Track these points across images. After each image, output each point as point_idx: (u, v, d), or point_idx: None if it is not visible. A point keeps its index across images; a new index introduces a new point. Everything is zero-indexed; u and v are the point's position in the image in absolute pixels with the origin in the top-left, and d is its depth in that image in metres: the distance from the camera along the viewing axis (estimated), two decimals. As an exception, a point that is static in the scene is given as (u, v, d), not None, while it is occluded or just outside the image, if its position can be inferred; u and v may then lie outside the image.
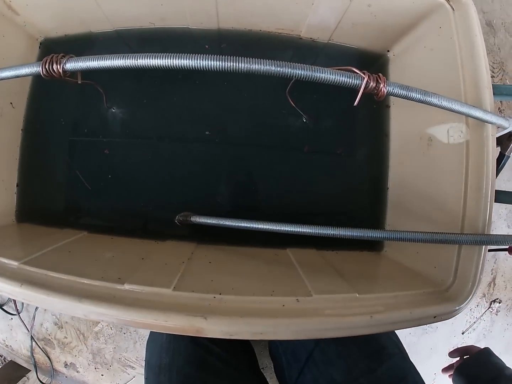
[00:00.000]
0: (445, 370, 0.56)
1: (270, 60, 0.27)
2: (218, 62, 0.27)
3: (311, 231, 0.36)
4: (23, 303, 0.67)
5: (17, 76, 0.31)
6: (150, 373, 0.42)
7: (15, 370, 0.66)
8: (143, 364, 0.68)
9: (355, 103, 0.30)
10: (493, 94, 0.39)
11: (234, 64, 0.27)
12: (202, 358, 0.41)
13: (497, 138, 0.39)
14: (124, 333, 0.66)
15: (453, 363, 0.54)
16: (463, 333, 0.69)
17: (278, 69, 0.27)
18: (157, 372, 0.40)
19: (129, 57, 0.28)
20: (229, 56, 0.27)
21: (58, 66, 0.29)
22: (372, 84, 0.29)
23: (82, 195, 0.51)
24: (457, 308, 0.34)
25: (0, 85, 0.45)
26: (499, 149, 0.41)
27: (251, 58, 0.27)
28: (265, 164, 0.50)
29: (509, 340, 0.72)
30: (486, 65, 0.37)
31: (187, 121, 0.50)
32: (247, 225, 0.40)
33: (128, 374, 0.67)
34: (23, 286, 0.30)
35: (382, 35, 0.47)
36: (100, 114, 0.51)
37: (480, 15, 0.78)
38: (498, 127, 0.37)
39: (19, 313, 0.66)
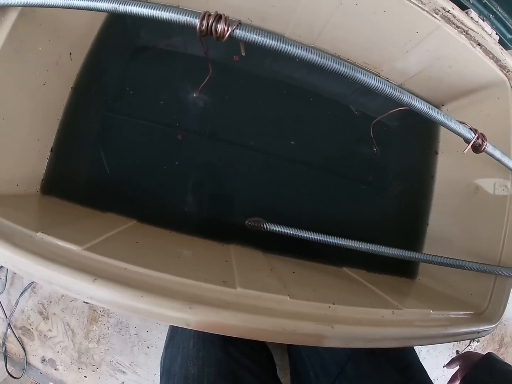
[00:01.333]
0: (449, 383, 0.60)
1: (410, 94, 0.34)
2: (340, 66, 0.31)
3: (378, 249, 0.44)
4: (6, 283, 0.61)
5: (163, 20, 0.28)
6: (172, 382, 0.41)
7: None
8: (137, 371, 0.66)
9: (464, 151, 0.39)
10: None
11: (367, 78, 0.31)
12: (234, 370, 0.41)
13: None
14: (122, 335, 0.64)
15: (455, 373, 0.58)
16: (444, 366, 0.80)
17: (417, 104, 0.35)
18: (182, 382, 0.39)
19: (305, 49, 0.29)
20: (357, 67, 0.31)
21: (226, 27, 0.27)
22: (479, 141, 0.38)
23: (121, 177, 0.50)
24: (491, 327, 0.45)
25: (67, 27, 0.45)
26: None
27: (394, 86, 0.34)
28: (325, 187, 0.56)
29: (478, 376, 0.86)
30: (532, 137, 0.50)
31: (268, 130, 0.53)
32: (322, 238, 0.46)
33: (117, 379, 0.64)
34: (97, 282, 0.26)
35: (445, 91, 0.58)
36: (173, 96, 0.52)
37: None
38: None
39: (-2, 294, 0.60)
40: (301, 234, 0.46)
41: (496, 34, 0.52)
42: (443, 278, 0.54)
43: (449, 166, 0.59)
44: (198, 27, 0.28)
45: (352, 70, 0.31)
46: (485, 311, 0.48)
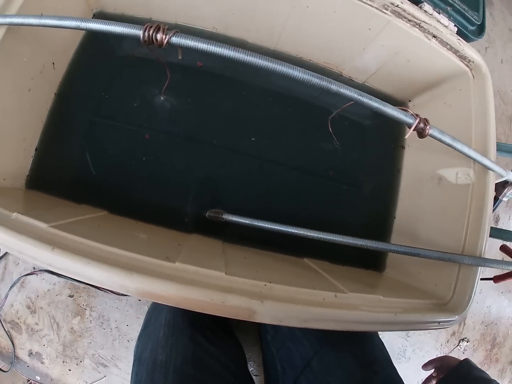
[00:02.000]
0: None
1: (338, 82, 0.34)
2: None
3: (343, 240, 0.42)
4: (-3, 278, 0.62)
5: (114, 33, 0.32)
6: (141, 368, 0.41)
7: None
8: (118, 365, 0.66)
9: (406, 137, 0.38)
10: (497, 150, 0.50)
11: (296, 73, 0.32)
12: (200, 358, 0.41)
13: (494, 184, 0.50)
14: (104, 329, 0.64)
15: (430, 376, 0.56)
16: (422, 367, 0.76)
17: (347, 92, 0.34)
18: (150, 368, 0.40)
19: (237, 51, 0.32)
20: (295, 66, 0.32)
21: (164, 36, 0.31)
22: (421, 125, 0.37)
23: (99, 175, 0.51)
24: (455, 318, 0.42)
25: (49, 40, 0.48)
26: (494, 193, 0.51)
27: (332, 80, 0.34)
28: (288, 181, 0.55)
29: (472, 378, 0.80)
30: (494, 125, 0.48)
31: (230, 128, 0.54)
32: (278, 228, 0.44)
33: (99, 372, 0.64)
34: (55, 251, 0.28)
35: (409, 86, 0.57)
36: (144, 100, 0.53)
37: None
38: (498, 175, 0.47)
39: (-11, 289, 0.61)
40: (260, 224, 0.45)
41: (455, 26, 0.51)
42: (409, 270, 0.52)
43: (415, 159, 0.58)
44: (141, 37, 0.31)
45: (273, 63, 0.32)
46: (449, 302, 0.45)
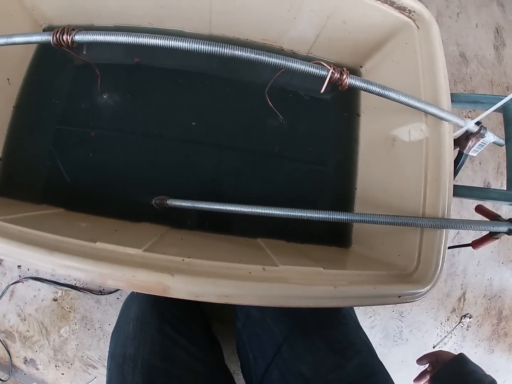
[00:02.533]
0: (416, 380, 0.54)
1: (250, 48, 0.31)
2: (206, 47, 0.30)
3: (283, 213, 0.38)
4: (-11, 291, 0.64)
5: (28, 43, 0.35)
6: (113, 363, 0.41)
7: (-33, 363, 0.61)
8: (106, 364, 0.65)
9: (322, 91, 0.34)
10: (454, 101, 0.44)
11: (220, 49, 0.30)
12: (168, 350, 0.40)
13: (455, 139, 0.43)
14: (89, 329, 0.63)
15: (424, 370, 0.52)
16: (434, 347, 0.68)
17: (258, 56, 0.31)
18: (120, 362, 0.39)
19: (132, 36, 0.32)
20: (215, 42, 0.31)
21: (68, 37, 0.33)
22: (337, 75, 0.33)
23: (62, 179, 0.51)
24: (421, 290, 0.36)
25: (1, 59, 0.48)
26: (458, 149, 0.45)
27: (235, 46, 0.31)
28: (238, 161, 0.52)
29: (481, 356, 0.72)
30: (444, 74, 0.42)
31: (170, 117, 0.52)
32: (221, 207, 0.41)
33: (90, 374, 0.63)
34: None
35: (355, 50, 0.52)
36: (92, 100, 0.53)
37: (455, 46, 0.88)
38: (455, 126, 0.41)
39: (-19, 301, 0.63)
40: (204, 206, 0.42)
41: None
42: (374, 243, 0.47)
43: (370, 126, 0.52)
44: (52, 41, 0.33)
45: (193, 43, 0.30)
46: (414, 273, 0.39)
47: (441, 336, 0.69)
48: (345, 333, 0.44)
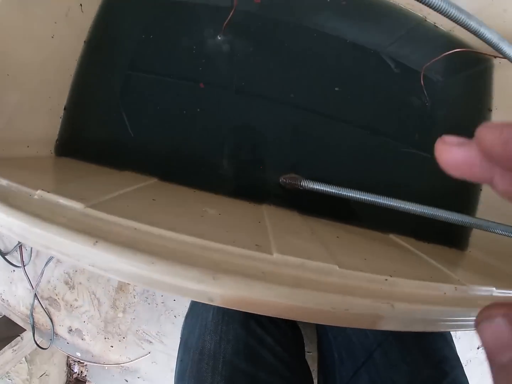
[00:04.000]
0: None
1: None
2: None
3: (427, 211, 0.34)
4: (31, 254, 0.55)
5: None
6: (187, 356, 0.36)
7: (9, 328, 0.55)
8: (164, 341, 0.61)
9: None
10: None
11: None
12: (254, 350, 0.35)
13: None
14: (149, 304, 0.58)
15: None
16: (478, 348, 0.71)
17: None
18: (197, 358, 0.34)
19: None
20: None
21: None
22: None
23: (142, 135, 0.42)
24: None
25: None
26: None
27: None
28: (367, 145, 0.45)
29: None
30: None
31: (279, 79, 0.43)
32: (365, 197, 0.36)
33: (143, 349, 0.59)
34: (99, 245, 0.19)
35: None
36: (195, 43, 0.42)
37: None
38: None
39: (24, 266, 0.55)
40: (345, 193, 0.36)
41: None
42: (498, 251, 0.44)
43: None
44: None
45: None
46: None
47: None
48: (441, 346, 0.42)
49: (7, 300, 0.56)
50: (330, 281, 0.23)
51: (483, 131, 0.11)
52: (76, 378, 0.73)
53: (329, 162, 0.43)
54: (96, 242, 0.20)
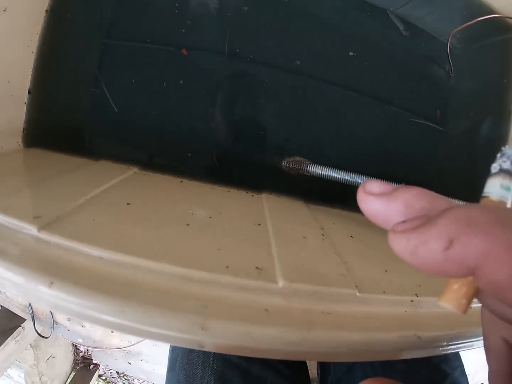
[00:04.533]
0: None
1: None
2: None
3: None
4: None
5: None
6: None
7: (9, 319, 0.53)
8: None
9: None
10: None
11: None
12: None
13: None
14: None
15: None
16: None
17: None
18: (188, 348, 0.32)
19: None
20: None
21: None
22: None
23: (120, 116, 0.36)
24: None
25: None
26: None
27: None
28: (383, 120, 0.39)
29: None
30: None
31: (277, 43, 0.36)
32: None
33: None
34: (54, 287, 0.15)
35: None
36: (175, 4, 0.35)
37: None
38: None
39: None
40: (358, 180, 0.31)
41: None
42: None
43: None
44: None
45: None
46: None
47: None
48: None
49: (5, 292, 0.53)
50: (349, 311, 0.19)
51: (390, 238, 0.11)
52: (83, 356, 0.74)
53: (340, 141, 0.38)
54: (52, 283, 0.16)
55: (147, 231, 0.22)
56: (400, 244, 0.10)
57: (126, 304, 0.16)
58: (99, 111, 0.36)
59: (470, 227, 0.08)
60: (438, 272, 0.09)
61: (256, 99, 0.37)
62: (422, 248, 0.09)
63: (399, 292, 0.21)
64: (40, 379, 0.73)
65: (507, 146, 0.11)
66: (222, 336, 0.16)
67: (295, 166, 0.34)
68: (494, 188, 0.10)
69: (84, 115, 0.37)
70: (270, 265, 0.20)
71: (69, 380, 0.77)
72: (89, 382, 0.76)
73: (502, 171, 0.10)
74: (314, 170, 0.33)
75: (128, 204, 0.25)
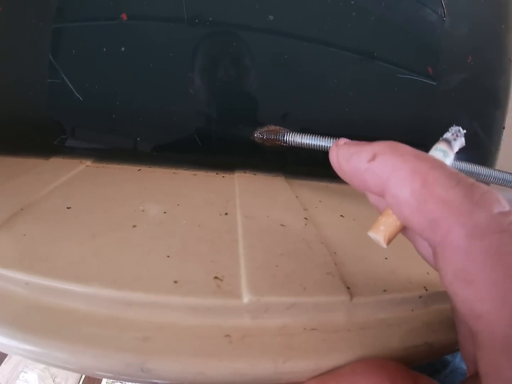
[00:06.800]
0: None
1: None
2: None
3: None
4: None
5: None
6: None
7: None
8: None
9: None
10: None
11: None
12: None
13: None
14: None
15: None
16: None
17: None
18: None
19: None
20: None
21: None
22: None
23: (74, 106, 0.30)
24: None
25: None
26: None
27: None
28: (369, 78, 0.33)
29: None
30: None
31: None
32: None
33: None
34: None
35: None
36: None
37: None
38: None
39: None
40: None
41: None
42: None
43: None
44: None
45: None
46: None
47: None
48: None
49: None
50: (339, 324, 0.14)
51: (332, 149, 0.13)
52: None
53: (320, 105, 0.32)
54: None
55: (83, 242, 0.17)
56: (341, 153, 0.12)
57: (50, 345, 0.11)
58: (57, 102, 0.30)
59: (393, 150, 0.10)
60: (360, 182, 0.11)
61: (227, 63, 0.31)
62: (355, 157, 0.11)
63: (404, 287, 0.17)
64: (53, 380, 0.72)
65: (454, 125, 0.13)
66: (167, 378, 0.12)
67: (270, 136, 0.28)
68: (432, 151, 0.13)
69: (37, 108, 0.31)
70: (234, 272, 0.15)
71: (82, 379, 0.77)
72: (101, 381, 0.78)
73: (443, 139, 0.13)
74: (292, 139, 0.27)
75: (68, 208, 0.20)
